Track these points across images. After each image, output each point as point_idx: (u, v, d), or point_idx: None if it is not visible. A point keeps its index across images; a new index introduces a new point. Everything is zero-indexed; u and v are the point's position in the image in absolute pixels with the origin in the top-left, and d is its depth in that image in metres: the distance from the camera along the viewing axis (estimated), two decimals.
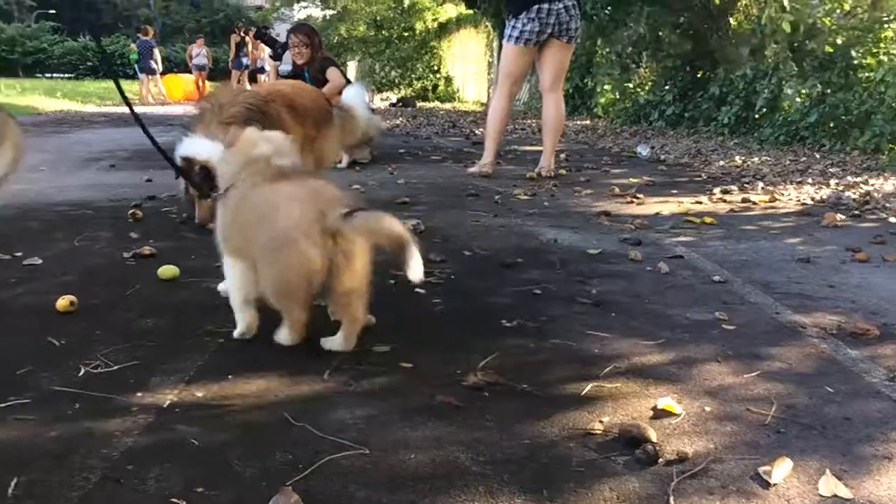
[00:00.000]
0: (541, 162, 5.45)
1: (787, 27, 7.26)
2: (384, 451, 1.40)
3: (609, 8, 9.77)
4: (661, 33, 9.46)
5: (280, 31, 18.75)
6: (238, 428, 1.49)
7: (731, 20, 9.08)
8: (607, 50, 11.48)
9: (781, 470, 1.35)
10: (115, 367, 1.76)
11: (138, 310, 2.20)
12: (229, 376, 1.73)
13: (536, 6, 5.12)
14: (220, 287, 2.19)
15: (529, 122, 11.15)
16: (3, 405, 1.54)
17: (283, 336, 1.90)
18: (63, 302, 2.14)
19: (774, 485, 1.31)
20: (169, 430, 1.47)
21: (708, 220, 3.69)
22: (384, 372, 1.78)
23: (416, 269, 1.73)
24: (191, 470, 1.32)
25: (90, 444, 1.40)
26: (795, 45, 7.79)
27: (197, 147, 2.99)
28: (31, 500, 1.21)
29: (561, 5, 5.12)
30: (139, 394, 1.62)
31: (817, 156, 6.43)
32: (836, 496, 1.29)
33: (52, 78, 26.87)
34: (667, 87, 9.98)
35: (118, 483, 1.27)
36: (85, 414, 1.52)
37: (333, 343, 1.89)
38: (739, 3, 9.06)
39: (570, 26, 5.19)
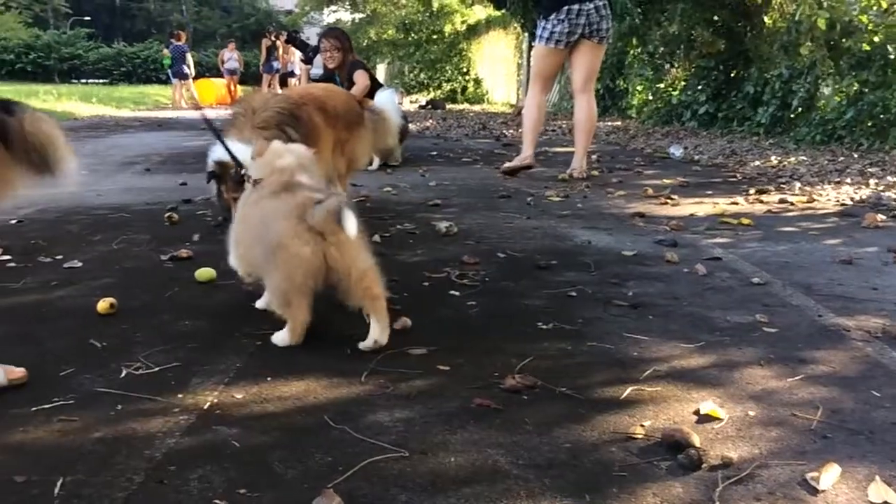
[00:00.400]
0: (573, 163, 5.42)
1: (822, 24, 7.13)
2: (424, 455, 1.40)
3: (641, 7, 9.64)
4: (694, 31, 9.32)
5: (309, 34, 18.90)
6: (278, 430, 1.49)
7: (766, 18, 8.95)
8: (639, 50, 11.39)
9: (830, 476, 1.32)
10: (156, 369, 1.78)
11: (177, 312, 2.22)
12: (268, 378, 1.74)
13: (566, 7, 5.13)
14: (259, 304, 2.22)
15: (560, 123, 11.10)
16: (47, 406, 1.57)
17: (281, 338, 1.96)
18: (103, 304, 2.17)
19: (823, 491, 1.28)
20: (210, 432, 1.47)
21: (745, 221, 3.63)
22: (420, 375, 1.78)
23: (349, 228, 1.80)
24: (232, 471, 1.32)
25: (133, 444, 1.41)
26: (832, 42, 7.65)
27: (234, 150, 3.01)
28: (77, 500, 1.22)
29: (591, 6, 5.12)
30: (180, 395, 1.64)
31: (855, 155, 6.31)
32: (886, 503, 1.25)
33: (87, 83, 27.35)
34: (700, 87, 9.87)
35: (161, 484, 1.28)
36: (127, 415, 1.54)
37: (369, 341, 1.91)
38: (774, 1, 8.94)
39: (600, 27, 5.18)
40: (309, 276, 1.86)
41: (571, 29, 5.17)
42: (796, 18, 7.63)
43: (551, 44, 5.27)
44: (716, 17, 9.28)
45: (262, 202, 2.01)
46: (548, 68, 5.50)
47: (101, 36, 36.46)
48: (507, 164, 5.67)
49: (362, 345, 1.91)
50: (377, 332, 1.91)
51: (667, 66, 10.52)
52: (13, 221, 3.53)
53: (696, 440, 1.42)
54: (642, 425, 1.51)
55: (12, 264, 2.74)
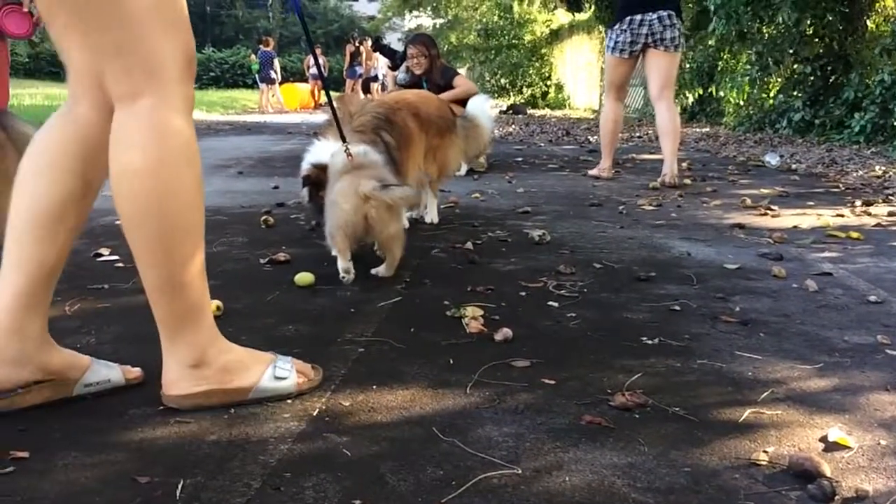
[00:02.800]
0: (664, 169, 5.32)
1: None
2: (537, 472, 1.36)
3: (750, 6, 9.19)
4: (807, 26, 8.83)
5: (390, 40, 19.13)
6: (387, 440, 1.48)
7: (869, 22, 8.56)
8: (730, 55, 11.05)
9: None
10: None
11: (279, 316, 2.25)
12: (373, 386, 1.74)
13: (629, 17, 5.30)
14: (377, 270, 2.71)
15: (646, 130, 10.88)
16: (163, 407, 1.60)
17: (340, 264, 2.65)
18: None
19: None
20: (321, 439, 1.48)
21: (854, 234, 3.46)
22: (526, 388, 1.74)
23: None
24: (346, 481, 1.32)
25: (248, 449, 1.42)
26: None
27: (327, 151, 3.03)
28: (198, 503, 1.24)
29: (654, 16, 5.24)
30: (289, 401, 1.65)
31: None
32: None
33: None
34: (795, 93, 9.50)
35: (278, 491, 1.28)
36: (240, 419, 1.56)
37: (380, 269, 2.70)
38: (877, 4, 8.53)
39: (664, 36, 5.27)
40: (349, 225, 2.54)
41: (633, 38, 5.31)
42: None
43: (616, 53, 5.45)
44: (826, 14, 8.78)
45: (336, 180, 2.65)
46: (618, 78, 5.64)
47: None
48: (590, 172, 5.84)
49: (373, 270, 2.71)
50: (384, 269, 2.70)
51: (775, 66, 9.92)
52: (118, 222, 3.66)
53: (826, 469, 1.34)
54: (765, 451, 1.44)
55: (120, 265, 2.83)
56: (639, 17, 5.25)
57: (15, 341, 1.51)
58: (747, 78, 10.32)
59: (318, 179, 3.12)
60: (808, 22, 8.89)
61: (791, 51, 9.38)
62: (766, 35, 9.62)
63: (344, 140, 2.68)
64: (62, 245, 1.56)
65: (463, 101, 5.34)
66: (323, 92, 17.05)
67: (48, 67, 29.48)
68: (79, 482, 1.30)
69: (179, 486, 1.28)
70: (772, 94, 10.43)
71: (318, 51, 20.12)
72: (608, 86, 5.80)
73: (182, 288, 1.54)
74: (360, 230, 2.57)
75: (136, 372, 1.72)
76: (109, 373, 1.68)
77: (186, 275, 1.54)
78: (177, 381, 1.58)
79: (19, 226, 1.52)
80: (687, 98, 12.34)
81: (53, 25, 1.46)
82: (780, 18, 8.56)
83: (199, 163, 1.56)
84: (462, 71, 24.15)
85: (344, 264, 2.63)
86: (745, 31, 9.62)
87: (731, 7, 9.09)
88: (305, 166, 3.16)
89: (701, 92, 12.24)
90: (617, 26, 5.40)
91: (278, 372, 1.67)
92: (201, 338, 1.59)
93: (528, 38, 22.15)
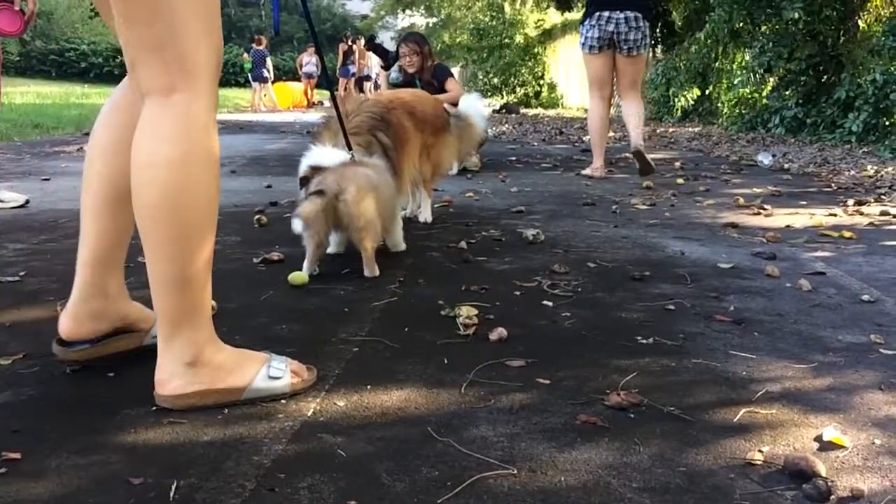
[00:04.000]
0: (631, 141, 5.54)
1: None
2: (533, 472, 1.36)
3: (746, 6, 9.15)
4: (804, 23, 8.79)
5: (383, 38, 19.12)
6: (382, 440, 1.47)
7: (860, 22, 8.59)
8: (724, 55, 11.06)
9: None
10: None
11: (273, 315, 2.24)
12: (368, 386, 1.73)
13: (598, 13, 5.40)
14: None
15: None
16: (155, 407, 1.59)
17: (304, 266, 2.68)
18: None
19: None
20: (315, 440, 1.47)
21: (846, 234, 3.47)
22: (521, 388, 1.74)
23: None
24: (341, 482, 1.31)
25: (242, 450, 1.42)
26: None
27: (325, 156, 3.02)
28: None
29: (621, 16, 5.34)
30: (283, 401, 1.64)
31: None
32: None
33: None
34: (788, 92, 9.53)
35: (273, 492, 1.27)
36: (233, 419, 1.55)
37: (366, 271, 2.68)
38: (869, 4, 8.56)
39: (627, 38, 5.37)
40: (319, 220, 2.57)
41: (601, 34, 5.41)
42: None
43: (586, 49, 5.56)
44: (824, 10, 8.74)
45: None
46: (594, 73, 5.68)
47: None
48: (583, 172, 5.88)
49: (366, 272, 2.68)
50: (366, 270, 2.68)
51: (782, 61, 9.80)
52: None
53: (822, 469, 1.34)
54: (761, 451, 1.44)
55: None
56: (606, 13, 5.38)
57: (98, 297, 1.73)
58: (742, 79, 10.29)
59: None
60: (807, 20, 8.88)
61: (798, 43, 9.33)
62: (768, 33, 9.58)
63: (348, 142, 2.70)
64: (131, 214, 1.64)
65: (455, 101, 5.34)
66: (315, 91, 16.95)
67: (39, 66, 29.37)
68: (72, 484, 1.29)
69: (173, 488, 1.27)
70: (764, 94, 10.45)
71: (312, 49, 19.97)
72: (589, 84, 5.82)
73: (190, 283, 1.55)
74: (328, 226, 2.65)
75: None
76: None
77: (196, 270, 1.54)
78: (170, 379, 1.57)
79: (90, 202, 1.70)
80: (687, 99, 12.33)
81: (116, 21, 1.49)
82: (794, 16, 8.48)
83: (219, 160, 1.59)
84: (455, 70, 24.16)
85: (308, 264, 2.69)
86: (737, 29, 9.61)
87: (729, 4, 9.09)
88: (304, 168, 3.15)
89: (699, 93, 12.25)
90: (587, 21, 5.52)
91: (272, 372, 1.67)
92: (200, 335, 1.59)
93: (517, 38, 22.16)
